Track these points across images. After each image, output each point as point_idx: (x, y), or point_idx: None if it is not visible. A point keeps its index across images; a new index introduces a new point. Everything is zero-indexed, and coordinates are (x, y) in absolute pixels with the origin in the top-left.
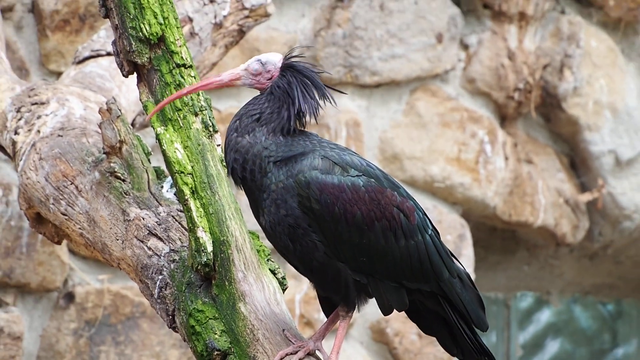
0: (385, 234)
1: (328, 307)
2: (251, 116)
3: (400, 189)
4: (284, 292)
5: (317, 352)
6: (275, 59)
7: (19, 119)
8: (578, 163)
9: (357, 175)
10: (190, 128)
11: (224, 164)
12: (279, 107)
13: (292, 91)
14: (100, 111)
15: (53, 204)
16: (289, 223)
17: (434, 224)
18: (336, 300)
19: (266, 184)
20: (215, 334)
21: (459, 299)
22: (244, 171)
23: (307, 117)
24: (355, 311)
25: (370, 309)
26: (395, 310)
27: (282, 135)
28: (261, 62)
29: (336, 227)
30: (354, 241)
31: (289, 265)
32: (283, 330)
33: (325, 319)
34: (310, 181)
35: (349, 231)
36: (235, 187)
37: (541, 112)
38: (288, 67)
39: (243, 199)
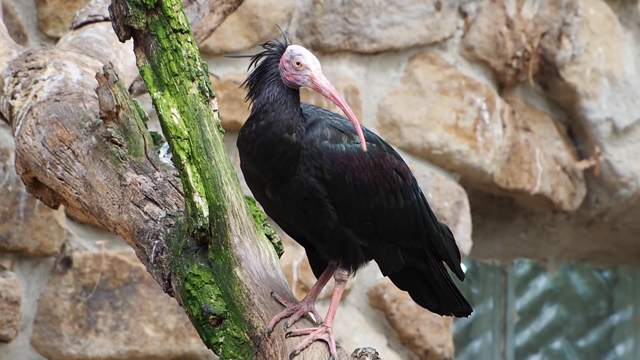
0: (387, 197)
1: (318, 268)
2: (298, 116)
3: (394, 151)
4: (280, 257)
5: (310, 314)
6: None
7: (16, 84)
8: (575, 131)
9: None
10: (187, 93)
11: (221, 129)
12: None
13: None
14: (97, 76)
15: (50, 168)
16: (303, 196)
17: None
18: (336, 264)
19: (294, 169)
20: (211, 298)
21: (446, 252)
22: (286, 164)
23: None
24: (352, 275)
25: (368, 275)
26: (393, 270)
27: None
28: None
29: (346, 194)
30: (361, 207)
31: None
32: (271, 292)
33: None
34: (322, 151)
35: (357, 197)
36: (261, 171)
37: (539, 80)
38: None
39: (239, 164)
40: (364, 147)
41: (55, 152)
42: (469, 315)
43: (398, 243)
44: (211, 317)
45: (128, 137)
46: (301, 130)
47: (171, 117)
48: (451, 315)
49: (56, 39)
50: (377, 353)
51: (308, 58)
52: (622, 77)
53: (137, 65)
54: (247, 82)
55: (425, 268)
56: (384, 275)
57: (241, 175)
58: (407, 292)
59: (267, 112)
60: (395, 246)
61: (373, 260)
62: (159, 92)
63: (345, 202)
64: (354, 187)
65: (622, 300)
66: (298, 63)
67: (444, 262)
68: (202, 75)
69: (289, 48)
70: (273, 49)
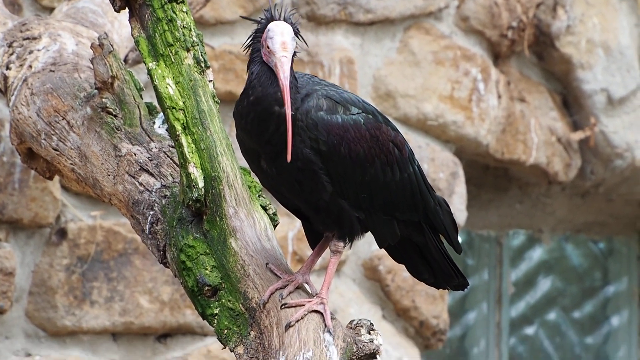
0: (384, 169)
1: (314, 239)
2: (294, 87)
3: (390, 123)
4: (275, 228)
5: (306, 285)
6: (292, 30)
7: (11, 54)
8: (570, 101)
9: (357, 113)
10: (182, 64)
11: (217, 100)
12: (293, 69)
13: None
14: (92, 46)
15: (44, 139)
16: (298, 167)
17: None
18: (331, 236)
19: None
20: (206, 269)
21: (442, 225)
22: (281, 137)
23: None
24: (348, 247)
25: (363, 246)
26: (389, 242)
27: (297, 88)
28: (295, 39)
29: (342, 166)
30: (357, 179)
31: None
32: (267, 263)
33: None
34: (317, 123)
35: (353, 169)
36: (258, 145)
37: (534, 51)
38: (296, 33)
39: (234, 135)
40: (289, 158)
41: (50, 122)
42: (465, 289)
43: (394, 215)
44: (206, 288)
45: (123, 108)
46: (295, 101)
47: (166, 87)
48: (447, 289)
49: (51, 9)
50: (372, 324)
51: (277, 43)
52: (617, 47)
53: (132, 35)
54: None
55: (422, 241)
56: (380, 248)
57: (236, 145)
58: (403, 265)
59: (255, 88)
60: (391, 218)
61: (369, 232)
62: (154, 63)
63: (341, 174)
64: (350, 158)
65: (617, 271)
66: (268, 46)
67: (441, 236)
68: (198, 45)
69: (269, 25)
70: (263, 21)
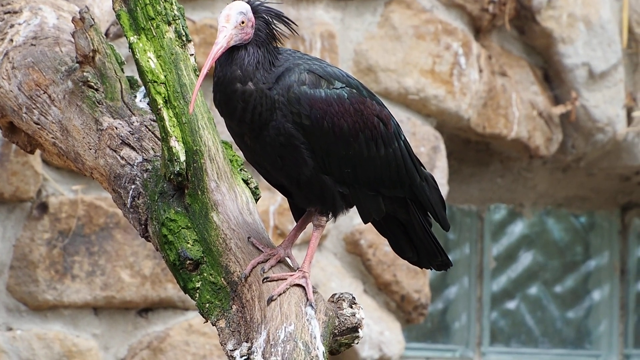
0: (368, 144)
1: (299, 214)
2: (250, 65)
3: (376, 97)
4: (256, 202)
5: (287, 259)
6: (247, 6)
7: None
8: (552, 76)
9: (341, 88)
10: (164, 37)
11: (198, 74)
12: (266, 46)
13: (270, 26)
14: (73, 20)
15: (26, 113)
16: (280, 142)
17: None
18: (314, 210)
19: (268, 115)
20: (188, 243)
21: (429, 201)
22: (253, 114)
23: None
24: (331, 221)
25: (344, 221)
26: (374, 218)
27: (273, 65)
28: (243, 13)
29: (325, 140)
30: (341, 153)
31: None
32: (248, 237)
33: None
34: (300, 97)
35: (336, 144)
36: (235, 124)
37: (515, 25)
38: (258, 8)
39: (215, 110)
40: (191, 110)
41: (31, 96)
42: (448, 269)
43: (379, 191)
44: (188, 262)
45: (104, 82)
46: (264, 76)
47: (148, 61)
48: (431, 269)
49: None
50: (354, 298)
51: (221, 16)
52: (599, 21)
53: (113, 9)
54: None
55: (406, 218)
56: (365, 223)
57: (218, 119)
58: (387, 239)
59: (216, 68)
60: (376, 194)
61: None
62: (135, 36)
63: (324, 149)
64: (333, 133)
65: (598, 245)
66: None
67: (428, 213)
68: (179, 19)
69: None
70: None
